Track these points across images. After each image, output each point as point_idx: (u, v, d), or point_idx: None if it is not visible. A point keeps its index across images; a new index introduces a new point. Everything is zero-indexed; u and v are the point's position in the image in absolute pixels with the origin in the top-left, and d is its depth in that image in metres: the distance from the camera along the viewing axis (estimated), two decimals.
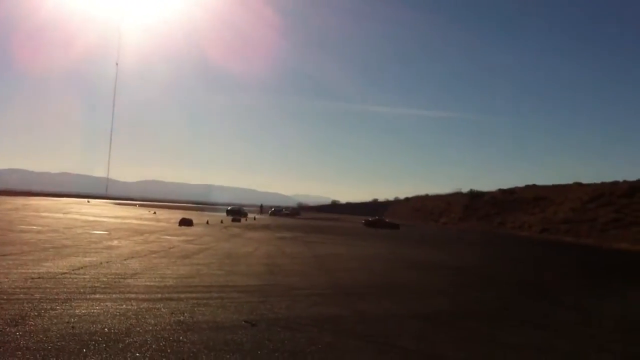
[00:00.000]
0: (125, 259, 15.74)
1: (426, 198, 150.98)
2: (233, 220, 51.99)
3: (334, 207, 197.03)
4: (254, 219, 62.15)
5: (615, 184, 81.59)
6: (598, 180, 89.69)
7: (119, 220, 39.87)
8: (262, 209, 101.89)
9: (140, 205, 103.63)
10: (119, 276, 12.37)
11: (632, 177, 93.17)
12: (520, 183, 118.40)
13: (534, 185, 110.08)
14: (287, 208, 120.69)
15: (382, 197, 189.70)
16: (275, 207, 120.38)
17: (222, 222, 48.45)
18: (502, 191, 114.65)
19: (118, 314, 8.44)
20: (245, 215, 66.03)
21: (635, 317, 12.70)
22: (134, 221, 40.87)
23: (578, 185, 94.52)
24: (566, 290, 16.85)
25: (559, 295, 15.69)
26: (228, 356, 6.58)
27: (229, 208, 76.45)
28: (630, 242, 53.51)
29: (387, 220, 71.34)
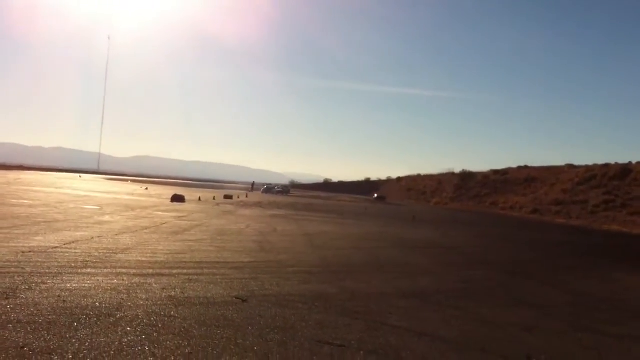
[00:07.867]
0: (116, 234, 15.76)
1: (418, 178, 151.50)
2: (225, 197, 51.95)
3: (326, 186, 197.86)
4: (246, 196, 62.11)
5: (606, 166, 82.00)
6: (590, 162, 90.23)
7: (110, 196, 39.81)
8: (254, 187, 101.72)
9: (133, 181, 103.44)
10: (111, 251, 12.39)
11: (623, 159, 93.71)
12: (513, 164, 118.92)
13: (526, 167, 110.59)
14: (279, 186, 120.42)
15: (374, 176, 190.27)
16: (267, 184, 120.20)
17: (214, 198, 48.43)
18: (494, 172, 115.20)
19: (109, 288, 8.47)
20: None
21: (620, 296, 12.83)
22: (126, 197, 40.82)
23: (570, 166, 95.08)
24: (555, 271, 16.98)
25: (548, 275, 15.83)
26: (219, 331, 6.63)
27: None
28: (620, 224, 53.96)
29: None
